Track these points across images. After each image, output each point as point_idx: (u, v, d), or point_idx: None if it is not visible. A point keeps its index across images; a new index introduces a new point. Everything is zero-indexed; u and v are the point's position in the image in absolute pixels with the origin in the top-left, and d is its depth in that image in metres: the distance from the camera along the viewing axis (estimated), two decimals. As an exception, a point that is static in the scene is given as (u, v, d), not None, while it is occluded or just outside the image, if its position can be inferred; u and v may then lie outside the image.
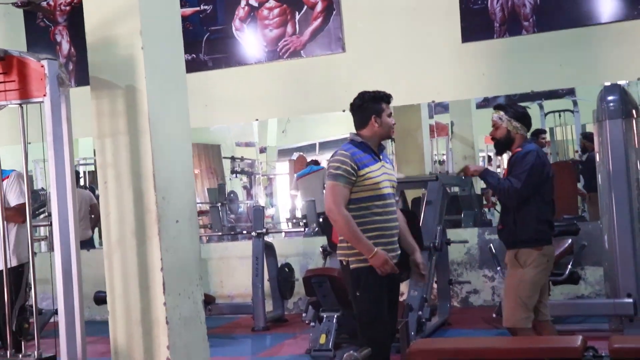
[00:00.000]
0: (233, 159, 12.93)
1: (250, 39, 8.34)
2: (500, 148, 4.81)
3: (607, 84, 6.47)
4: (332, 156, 4.25)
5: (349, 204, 4.14)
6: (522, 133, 4.70)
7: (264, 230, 7.68)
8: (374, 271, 4.11)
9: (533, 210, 4.55)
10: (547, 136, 11.36)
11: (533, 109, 12.16)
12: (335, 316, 5.61)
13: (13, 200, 5.04)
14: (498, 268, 6.59)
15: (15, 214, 4.93)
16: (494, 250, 6.68)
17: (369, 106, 4.28)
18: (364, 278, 4.13)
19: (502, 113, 4.69)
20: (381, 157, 4.31)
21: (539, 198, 4.58)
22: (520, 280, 4.59)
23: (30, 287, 6.04)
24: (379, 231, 4.17)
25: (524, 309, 4.57)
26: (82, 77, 4.67)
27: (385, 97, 4.33)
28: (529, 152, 4.59)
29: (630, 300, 5.63)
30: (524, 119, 4.73)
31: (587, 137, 10.18)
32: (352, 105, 4.36)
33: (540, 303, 4.67)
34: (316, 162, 11.75)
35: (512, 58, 7.47)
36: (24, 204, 4.41)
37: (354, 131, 4.34)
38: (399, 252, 4.30)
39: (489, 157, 14.82)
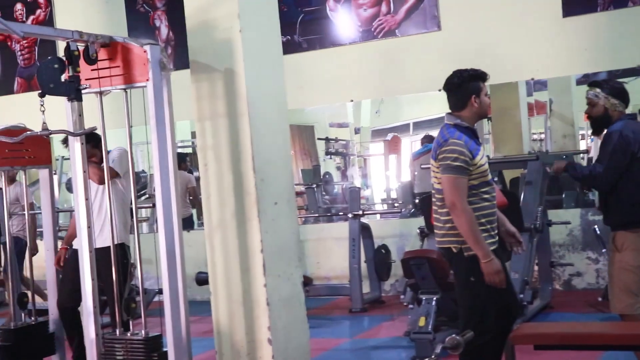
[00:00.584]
0: (327, 140, 12.92)
1: (344, 19, 8.30)
2: (597, 126, 4.57)
3: None
4: (441, 145, 4.05)
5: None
6: (621, 110, 4.46)
7: (361, 211, 7.66)
8: (495, 255, 3.98)
9: (624, 192, 4.35)
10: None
11: (637, 84, 11.72)
12: (435, 299, 5.54)
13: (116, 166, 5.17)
14: (603, 250, 6.39)
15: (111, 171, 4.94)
16: (598, 232, 6.48)
17: (468, 85, 4.09)
18: (479, 264, 3.97)
19: (598, 90, 4.47)
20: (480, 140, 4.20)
21: (630, 178, 4.36)
22: (620, 266, 4.40)
23: (135, 267, 6.22)
24: (489, 217, 4.05)
25: (628, 294, 4.37)
26: (180, 60, 4.73)
27: (483, 75, 4.15)
28: (612, 132, 4.37)
29: None
30: (622, 95, 4.48)
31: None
32: (449, 84, 4.16)
33: None
34: (430, 139, 11.56)
35: (616, 32, 7.20)
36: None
37: (448, 111, 4.20)
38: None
39: (588, 135, 14.40)
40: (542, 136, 13.23)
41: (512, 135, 9.88)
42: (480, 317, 4.02)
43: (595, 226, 6.66)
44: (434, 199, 4.19)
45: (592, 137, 14.46)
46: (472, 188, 4.01)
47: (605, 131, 4.50)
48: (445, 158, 3.99)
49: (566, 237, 7.71)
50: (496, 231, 4.13)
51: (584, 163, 11.57)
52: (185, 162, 9.50)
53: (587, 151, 12.78)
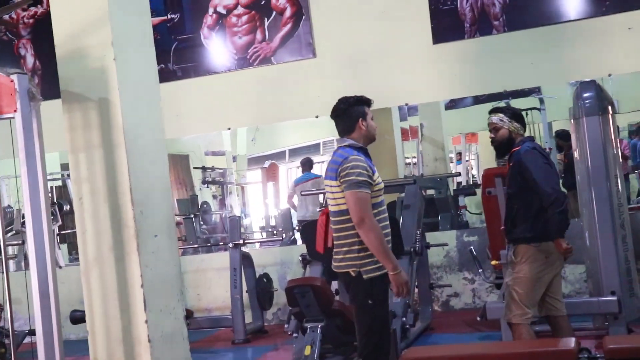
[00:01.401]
0: (204, 168, 12.76)
1: (219, 47, 8.23)
2: (502, 150, 4.76)
3: (585, 80, 6.44)
4: (342, 163, 4.09)
5: None
6: (522, 133, 4.71)
7: (241, 240, 7.56)
8: (384, 279, 4.09)
9: (532, 207, 4.53)
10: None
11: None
12: (320, 326, 5.52)
13: None
14: (479, 270, 6.54)
15: None
16: (474, 252, 6.63)
17: (354, 109, 4.24)
18: (377, 286, 4.10)
19: (502, 115, 4.69)
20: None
21: (535, 194, 4.53)
22: (516, 276, 4.60)
23: (2, 308, 5.88)
24: (386, 236, 4.14)
25: (518, 305, 4.56)
26: (47, 90, 4.55)
27: (367, 101, 4.31)
28: (527, 150, 4.56)
29: (615, 297, 5.60)
30: (522, 119, 4.75)
31: (559, 136, 10.19)
32: (336, 110, 4.29)
33: (552, 298, 4.65)
34: (309, 162, 11.57)
35: (483, 58, 7.45)
36: None
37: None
38: None
39: (458, 155, 14.89)
40: (414, 160, 13.57)
41: (387, 160, 10.03)
42: (379, 338, 4.09)
43: (471, 247, 6.82)
44: (332, 223, 4.21)
45: (458, 161, 15.02)
46: (373, 207, 4.07)
47: (509, 154, 4.69)
48: (348, 174, 4.04)
49: (443, 259, 7.87)
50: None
51: (454, 186, 11.96)
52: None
53: (459, 174, 13.21)
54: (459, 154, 14.79)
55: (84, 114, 4.32)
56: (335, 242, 4.19)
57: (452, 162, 14.57)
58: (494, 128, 4.72)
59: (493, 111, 4.77)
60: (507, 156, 4.75)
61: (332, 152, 4.37)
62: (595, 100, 5.89)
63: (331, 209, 4.21)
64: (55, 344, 3.88)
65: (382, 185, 4.19)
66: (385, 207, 4.23)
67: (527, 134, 4.83)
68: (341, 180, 4.07)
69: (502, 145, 4.73)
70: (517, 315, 4.56)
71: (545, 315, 4.68)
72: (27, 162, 3.80)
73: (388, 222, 4.22)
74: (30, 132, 3.82)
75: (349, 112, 4.23)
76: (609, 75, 7.14)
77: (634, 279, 5.99)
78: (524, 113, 4.97)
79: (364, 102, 4.28)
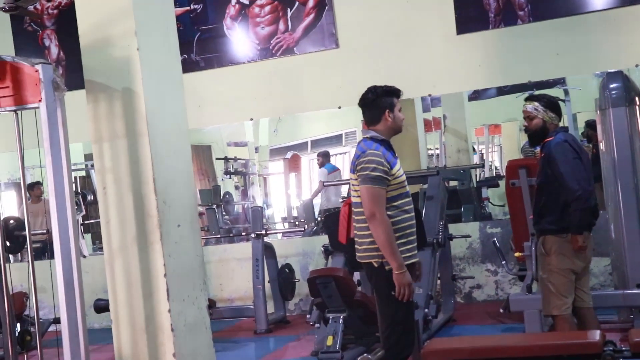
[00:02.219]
0: (227, 159, 12.79)
1: (242, 38, 8.22)
2: (536, 139, 4.72)
3: (610, 70, 6.37)
4: (359, 157, 4.11)
5: (387, 203, 4.07)
6: (557, 123, 4.66)
7: (264, 231, 7.57)
8: (408, 269, 4.07)
9: (560, 198, 4.49)
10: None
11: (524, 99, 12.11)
12: (342, 317, 5.51)
13: None
14: (503, 262, 6.50)
15: None
16: (497, 244, 6.60)
17: (382, 100, 4.20)
18: None
19: (536, 104, 4.64)
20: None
21: (562, 186, 4.49)
22: (549, 269, 4.57)
23: (28, 297, 5.92)
24: (409, 229, 4.13)
25: (556, 296, 4.54)
26: (71, 80, 4.58)
27: (397, 92, 4.26)
28: (558, 142, 4.51)
29: (640, 290, 5.54)
30: (557, 108, 4.69)
31: (590, 126, 10.05)
32: (364, 99, 4.26)
33: (579, 290, 4.63)
34: (326, 155, 11.56)
35: (507, 48, 7.38)
36: None
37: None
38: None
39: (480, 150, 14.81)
40: (437, 151, 13.52)
41: (410, 151, 9.99)
42: (403, 329, 4.10)
43: (495, 239, 6.79)
44: (354, 215, 4.22)
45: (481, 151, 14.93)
46: (391, 200, 4.07)
47: (543, 143, 4.63)
48: (364, 169, 4.04)
49: (466, 250, 7.84)
50: (415, 244, 4.20)
51: (478, 177, 11.89)
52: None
53: (482, 165, 13.13)
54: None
55: (108, 104, 4.34)
56: (357, 233, 4.19)
57: (475, 153, 14.50)
58: (528, 117, 4.67)
59: (528, 99, 4.72)
60: (540, 146, 4.70)
61: (354, 143, 4.36)
62: (622, 91, 5.81)
63: (353, 200, 4.21)
64: (79, 332, 3.91)
65: (404, 177, 4.15)
66: (410, 198, 4.20)
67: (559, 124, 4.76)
68: (357, 174, 4.08)
69: (536, 135, 4.68)
70: (557, 306, 4.54)
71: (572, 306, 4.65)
72: (51, 152, 3.82)
73: (413, 214, 4.20)
74: (55, 122, 3.84)
75: (377, 103, 4.20)
76: (636, 65, 7.04)
77: (660, 272, 5.92)
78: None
79: (393, 92, 4.24)
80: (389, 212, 4.05)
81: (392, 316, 4.14)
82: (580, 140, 10.33)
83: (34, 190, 9.77)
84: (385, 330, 4.16)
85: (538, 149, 4.93)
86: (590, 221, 4.57)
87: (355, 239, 4.21)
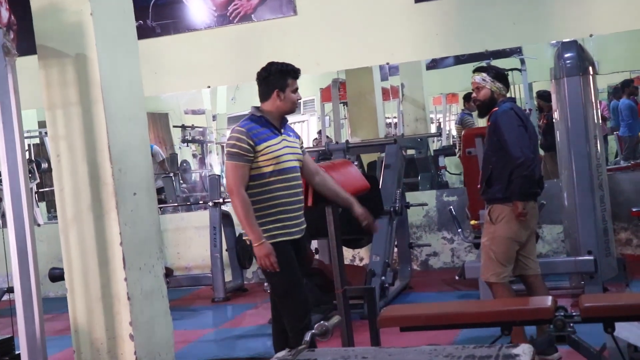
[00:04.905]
0: (184, 127, 12.68)
1: (198, 4, 8.11)
2: (484, 110, 4.75)
3: (565, 40, 6.43)
4: (230, 133, 4.14)
5: (251, 181, 4.04)
6: (504, 93, 4.69)
7: (221, 199, 7.54)
8: (281, 245, 4.05)
9: (506, 167, 4.52)
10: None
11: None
12: (299, 284, 5.52)
13: None
14: (459, 230, 6.58)
15: None
16: (453, 212, 6.66)
17: (273, 79, 4.11)
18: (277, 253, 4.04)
19: (485, 74, 4.67)
20: (283, 130, 4.17)
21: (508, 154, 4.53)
22: (492, 236, 4.61)
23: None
24: (282, 206, 4.06)
25: (495, 264, 4.58)
26: (23, 46, 4.48)
27: (293, 72, 4.15)
28: (505, 111, 4.55)
29: (591, 257, 5.64)
30: (505, 79, 4.73)
31: (541, 97, 10.18)
32: (257, 75, 4.19)
33: (525, 257, 4.68)
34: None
35: (465, 17, 7.38)
36: None
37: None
38: (305, 226, 4.22)
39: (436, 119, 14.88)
40: (395, 120, 13.56)
41: (368, 120, 10.02)
42: (291, 302, 4.15)
43: (451, 207, 6.85)
44: None
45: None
46: (262, 176, 4.04)
47: (492, 113, 4.65)
48: (227, 145, 4.10)
49: (423, 219, 7.91)
50: (297, 221, 4.14)
51: (435, 146, 11.96)
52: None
53: (439, 134, 13.21)
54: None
55: (61, 70, 4.26)
56: None
57: (433, 123, 14.56)
58: (476, 87, 4.71)
59: (477, 70, 4.75)
60: (488, 116, 4.74)
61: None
62: (576, 60, 5.88)
63: None
64: (34, 302, 3.88)
65: (276, 153, 4.04)
66: (294, 174, 4.11)
67: (508, 95, 4.80)
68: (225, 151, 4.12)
69: (484, 105, 4.72)
70: (495, 274, 4.59)
71: (519, 274, 4.71)
72: (2, 118, 3.75)
73: (296, 191, 4.12)
74: (6, 88, 3.77)
75: (268, 81, 4.12)
76: (591, 35, 7.11)
77: (611, 239, 6.05)
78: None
79: (287, 72, 4.13)
80: (257, 189, 4.03)
81: (274, 290, 4.22)
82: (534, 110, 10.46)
83: None
84: (278, 302, 4.21)
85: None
86: (535, 190, 4.60)
87: None
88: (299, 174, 4.18)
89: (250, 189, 4.04)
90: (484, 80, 4.66)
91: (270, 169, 4.04)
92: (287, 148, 4.11)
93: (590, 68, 5.98)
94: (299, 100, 4.19)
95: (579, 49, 5.98)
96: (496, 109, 4.62)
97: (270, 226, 4.05)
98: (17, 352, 3.95)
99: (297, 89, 4.17)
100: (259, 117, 4.11)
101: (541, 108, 10.29)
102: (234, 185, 4.01)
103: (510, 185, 4.51)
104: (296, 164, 4.15)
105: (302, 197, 4.19)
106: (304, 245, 4.31)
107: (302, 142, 4.36)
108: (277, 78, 4.10)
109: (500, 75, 4.71)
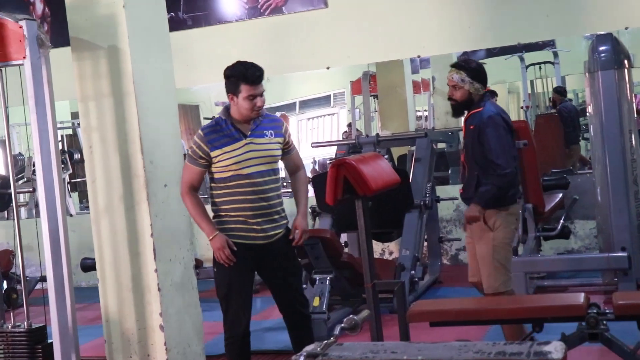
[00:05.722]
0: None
1: (230, -4, 8.12)
2: (459, 110, 4.48)
3: (600, 33, 6.33)
4: None
5: (214, 183, 4.00)
6: (481, 93, 4.40)
7: (250, 191, 7.55)
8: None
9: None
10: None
11: (513, 61, 12.08)
12: (328, 278, 5.53)
13: None
14: (489, 224, 6.51)
15: None
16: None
17: (227, 83, 3.95)
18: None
19: (464, 74, 4.34)
20: (251, 132, 3.96)
21: None
22: (494, 244, 4.36)
23: (14, 255, 5.91)
24: (242, 211, 3.94)
25: (503, 272, 4.37)
26: (56, 38, 4.53)
27: (244, 77, 3.85)
28: (488, 117, 4.29)
29: (625, 253, 5.56)
30: (483, 77, 4.42)
31: (558, 91, 10.15)
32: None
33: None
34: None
35: (497, 10, 7.30)
36: None
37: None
38: (281, 230, 4.08)
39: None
40: (426, 113, 13.48)
41: (398, 113, 9.98)
42: (226, 307, 4.15)
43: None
44: None
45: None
46: (224, 180, 3.98)
47: (466, 113, 4.44)
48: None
49: (453, 213, 7.86)
50: (263, 226, 4.00)
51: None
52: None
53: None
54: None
55: (94, 62, 4.29)
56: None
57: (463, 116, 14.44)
58: (453, 86, 4.39)
59: (455, 67, 4.42)
60: (466, 117, 4.48)
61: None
62: (611, 53, 5.79)
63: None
64: (66, 291, 3.92)
65: (234, 160, 3.91)
66: (254, 180, 3.93)
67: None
68: None
69: (460, 106, 4.44)
70: (503, 283, 4.36)
71: (477, 280, 4.51)
72: (36, 109, 3.78)
73: (253, 197, 3.95)
74: (40, 80, 3.80)
75: (226, 83, 3.97)
76: (626, 28, 6.99)
77: (645, 235, 5.97)
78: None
79: (238, 76, 3.87)
80: (222, 190, 3.97)
81: (216, 290, 4.14)
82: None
83: None
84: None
85: None
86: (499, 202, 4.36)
87: None
88: (273, 177, 4.05)
89: (214, 190, 4.03)
90: (462, 80, 4.34)
91: (229, 174, 3.94)
92: (251, 152, 3.93)
93: (626, 61, 5.88)
94: (262, 106, 3.93)
95: (614, 41, 5.89)
96: (479, 109, 4.35)
97: (226, 226, 3.98)
98: (49, 341, 3.99)
99: (254, 95, 3.87)
100: (224, 120, 3.98)
101: (554, 103, 10.25)
102: (181, 186, 4.07)
103: (485, 187, 4.29)
104: (264, 167, 3.97)
105: (276, 200, 4.07)
106: (282, 251, 4.10)
107: (286, 140, 4.14)
108: (230, 82, 3.92)
109: (479, 74, 4.39)
